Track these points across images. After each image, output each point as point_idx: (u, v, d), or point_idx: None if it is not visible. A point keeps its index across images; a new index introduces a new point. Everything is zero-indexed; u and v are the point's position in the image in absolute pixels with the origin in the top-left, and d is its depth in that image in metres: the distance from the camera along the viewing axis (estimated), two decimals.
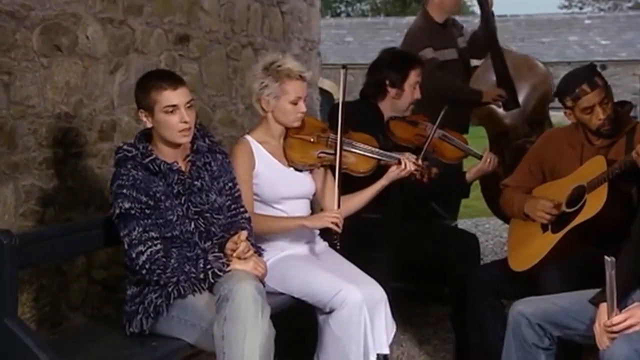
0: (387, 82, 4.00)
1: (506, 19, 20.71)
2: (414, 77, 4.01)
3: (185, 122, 3.02)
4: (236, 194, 3.27)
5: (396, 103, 4.03)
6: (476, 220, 7.85)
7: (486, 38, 5.16)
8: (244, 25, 5.23)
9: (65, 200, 3.67)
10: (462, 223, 6.57)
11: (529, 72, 5.19)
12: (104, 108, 3.93)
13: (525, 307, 3.03)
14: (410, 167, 3.59)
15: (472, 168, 4.04)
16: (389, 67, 4.02)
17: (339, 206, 3.40)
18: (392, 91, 4.00)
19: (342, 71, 3.57)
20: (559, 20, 22.71)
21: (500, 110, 5.10)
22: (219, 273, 2.97)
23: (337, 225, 3.31)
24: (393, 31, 21.07)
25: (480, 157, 4.03)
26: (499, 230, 7.18)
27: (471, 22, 5.74)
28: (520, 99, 5.10)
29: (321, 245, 3.64)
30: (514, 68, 5.12)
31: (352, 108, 3.79)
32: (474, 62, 5.48)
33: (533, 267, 3.38)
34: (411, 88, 4.01)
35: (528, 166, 3.69)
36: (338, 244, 3.31)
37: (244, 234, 3.05)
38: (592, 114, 3.41)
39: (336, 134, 3.54)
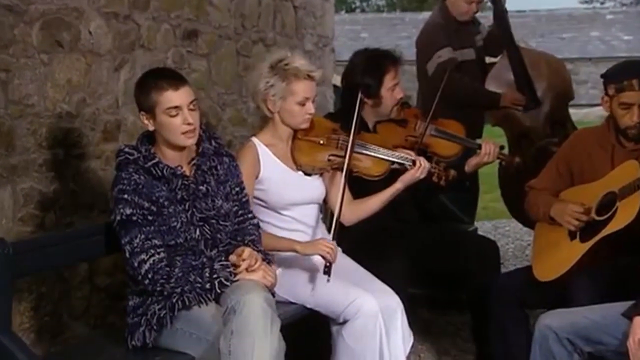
0: (362, 93, 3.72)
1: (525, 14, 20.57)
2: (390, 79, 3.80)
3: (189, 124, 2.94)
4: (244, 199, 3.19)
5: (377, 110, 3.85)
6: (495, 222, 7.75)
7: (501, 36, 5.07)
8: (255, 20, 5.19)
9: (66, 204, 3.62)
10: (481, 225, 6.50)
11: (548, 70, 5.10)
12: (107, 107, 3.87)
13: (553, 321, 2.95)
14: (427, 168, 3.49)
15: (470, 160, 3.89)
16: (361, 73, 3.78)
17: (334, 237, 3.29)
18: (369, 101, 3.80)
19: (360, 95, 3.52)
20: (580, 16, 22.52)
21: (520, 111, 5.01)
22: (225, 283, 2.89)
23: (330, 255, 3.19)
24: (409, 27, 20.94)
25: (479, 148, 3.86)
26: (519, 233, 7.09)
27: (487, 16, 5.60)
28: (540, 97, 5.02)
29: None
30: (532, 65, 5.03)
31: (338, 117, 3.69)
32: (489, 59, 5.40)
33: (560, 276, 3.29)
34: (390, 92, 3.80)
35: (556, 167, 3.60)
36: (329, 277, 3.20)
37: (247, 251, 2.97)
38: (628, 112, 3.32)
39: (347, 134, 3.44)
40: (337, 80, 7.91)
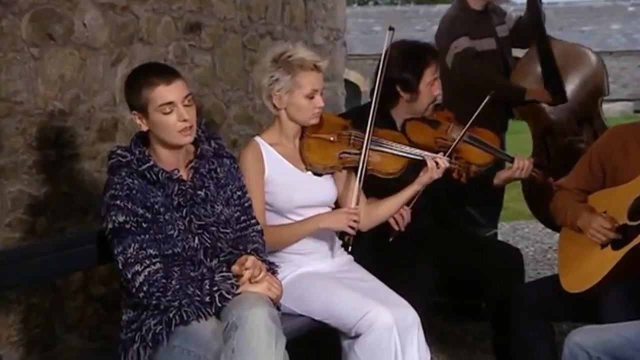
0: (399, 87, 3.69)
1: (544, 6, 20.43)
2: (430, 74, 3.73)
3: (185, 120, 2.84)
4: (246, 204, 3.08)
5: (412, 106, 3.76)
6: (514, 223, 7.61)
7: (532, 25, 5.00)
8: (262, 12, 5.17)
9: (58, 208, 3.58)
10: (499, 227, 6.33)
11: (579, 63, 5.01)
12: (103, 104, 3.84)
13: (584, 338, 2.82)
14: (445, 164, 3.39)
15: (501, 173, 3.82)
16: (400, 67, 3.69)
17: (357, 202, 3.23)
18: (405, 95, 3.73)
19: (388, 33, 3.42)
20: (600, 8, 22.53)
21: (546, 106, 4.93)
22: (227, 296, 2.79)
23: (352, 228, 3.16)
24: (424, 20, 21.04)
25: (512, 161, 3.77)
26: (540, 235, 6.97)
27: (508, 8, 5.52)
28: (568, 92, 4.93)
29: (344, 258, 3.46)
30: (562, 58, 4.94)
31: (357, 114, 3.60)
32: (516, 53, 5.31)
33: (590, 288, 3.16)
34: (428, 87, 3.73)
35: (588, 165, 3.48)
36: (350, 247, 3.18)
37: (250, 260, 2.87)
38: None
39: (359, 130, 3.36)
40: (349, 75, 7.89)
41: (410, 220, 3.63)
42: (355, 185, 3.27)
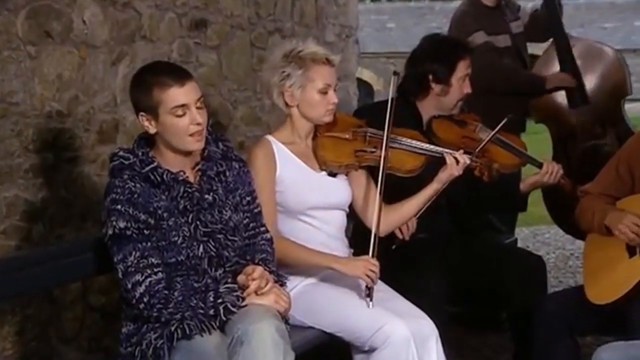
0: (431, 76, 3.71)
1: (564, 2, 20.38)
2: (463, 68, 3.75)
3: (198, 124, 2.82)
4: (255, 210, 3.05)
5: (442, 101, 3.77)
6: (534, 228, 7.60)
7: (549, 21, 5.01)
8: (270, 8, 5.15)
9: (56, 214, 3.57)
10: (518, 232, 6.43)
11: (600, 62, 5.02)
12: (104, 105, 3.82)
13: (613, 355, 2.79)
14: (465, 161, 3.38)
15: (529, 178, 3.81)
16: (433, 58, 3.74)
17: (374, 254, 3.17)
18: (436, 87, 3.74)
19: (393, 78, 3.41)
20: (623, 4, 22.52)
21: (566, 107, 4.95)
22: (232, 309, 2.75)
23: (371, 279, 3.11)
24: (439, 17, 21.02)
25: (540, 166, 3.77)
26: (561, 241, 6.95)
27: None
28: (589, 93, 4.94)
29: None
30: (582, 57, 4.96)
31: (380, 108, 3.56)
32: (532, 51, 5.31)
33: (618, 299, 3.15)
34: (460, 82, 3.74)
35: (615, 169, 3.44)
36: (371, 301, 3.11)
37: (257, 270, 2.84)
38: None
39: (376, 127, 3.35)
40: (361, 74, 7.89)
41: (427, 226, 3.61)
42: (377, 198, 3.23)
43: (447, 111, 3.76)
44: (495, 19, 4.97)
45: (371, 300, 3.09)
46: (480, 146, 3.53)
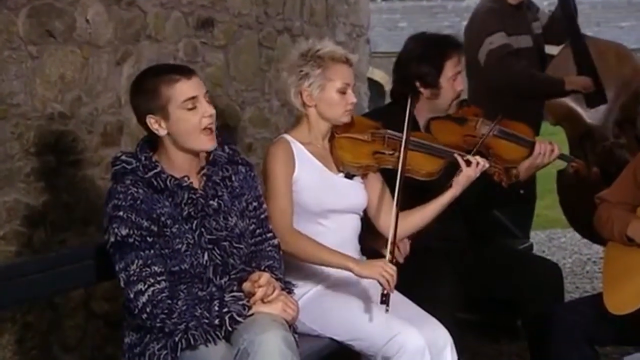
0: (418, 82, 3.60)
1: (580, 1, 20.33)
2: (451, 68, 3.64)
3: (210, 116, 2.81)
4: (262, 216, 3.02)
5: (434, 103, 3.68)
6: (550, 232, 7.55)
7: (565, 21, 5.00)
8: (279, 7, 5.17)
9: (58, 219, 3.56)
10: (533, 236, 6.37)
11: (618, 62, 5.00)
12: (108, 107, 3.82)
13: None
14: (484, 165, 3.34)
15: (522, 163, 3.67)
16: (418, 60, 3.63)
17: (392, 259, 3.10)
18: (425, 92, 3.65)
19: (409, 100, 3.40)
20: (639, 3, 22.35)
21: (583, 108, 4.92)
22: (237, 318, 2.71)
23: (390, 283, 3.04)
24: (452, 15, 21.03)
25: (532, 147, 3.68)
26: (577, 245, 6.88)
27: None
28: (607, 93, 4.91)
29: None
30: (599, 57, 4.93)
31: (389, 111, 3.57)
32: (550, 50, 5.35)
33: (638, 309, 3.09)
34: (450, 82, 3.64)
35: (633, 175, 3.39)
36: (387, 307, 3.03)
37: (264, 277, 2.81)
38: None
39: (395, 130, 3.31)
40: (372, 74, 7.87)
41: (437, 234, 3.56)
42: (390, 232, 3.16)
43: (443, 112, 3.68)
44: (518, 18, 4.97)
45: (387, 305, 3.03)
46: (479, 143, 3.47)
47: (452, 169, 3.39)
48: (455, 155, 3.37)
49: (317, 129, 3.29)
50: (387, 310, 3.01)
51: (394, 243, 3.11)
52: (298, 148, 3.25)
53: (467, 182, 3.33)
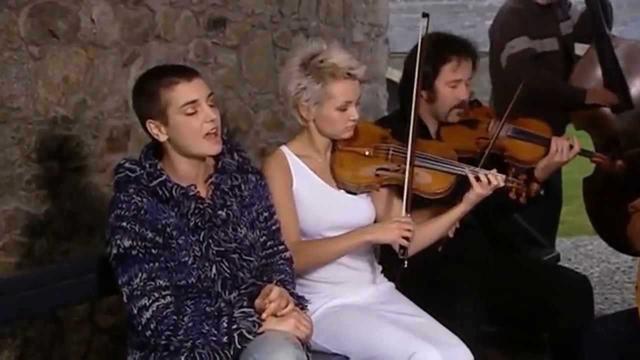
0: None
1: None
2: (448, 72, 3.56)
3: (212, 121, 2.75)
4: (273, 227, 2.96)
5: (432, 107, 3.61)
6: (576, 239, 7.45)
7: (589, 20, 4.95)
8: (294, 6, 5.17)
9: (61, 228, 3.56)
10: (559, 243, 6.31)
11: None
12: (114, 110, 3.82)
13: None
14: (497, 182, 3.24)
15: (539, 162, 3.62)
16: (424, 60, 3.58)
17: (408, 210, 3.08)
18: (423, 93, 3.57)
19: (422, 20, 3.36)
20: None
21: (609, 113, 4.89)
22: (247, 336, 2.66)
23: (407, 239, 3.04)
24: (473, 15, 21.03)
25: (548, 144, 3.62)
26: (605, 253, 6.76)
27: None
28: (634, 97, 4.88)
29: (385, 285, 3.35)
30: (626, 59, 4.89)
31: (389, 122, 3.50)
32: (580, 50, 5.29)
33: None
34: (447, 87, 3.56)
35: None
36: (406, 261, 3.03)
37: (275, 291, 2.74)
38: None
39: (399, 142, 3.24)
40: (392, 74, 7.87)
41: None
42: (405, 186, 3.12)
43: (442, 118, 3.61)
44: (545, 19, 4.92)
45: (406, 258, 3.02)
46: (492, 143, 3.40)
47: (464, 180, 3.31)
48: (467, 171, 3.27)
49: (317, 142, 3.24)
50: (406, 266, 3.01)
51: (408, 198, 3.08)
52: (294, 161, 3.20)
53: (478, 200, 3.25)
